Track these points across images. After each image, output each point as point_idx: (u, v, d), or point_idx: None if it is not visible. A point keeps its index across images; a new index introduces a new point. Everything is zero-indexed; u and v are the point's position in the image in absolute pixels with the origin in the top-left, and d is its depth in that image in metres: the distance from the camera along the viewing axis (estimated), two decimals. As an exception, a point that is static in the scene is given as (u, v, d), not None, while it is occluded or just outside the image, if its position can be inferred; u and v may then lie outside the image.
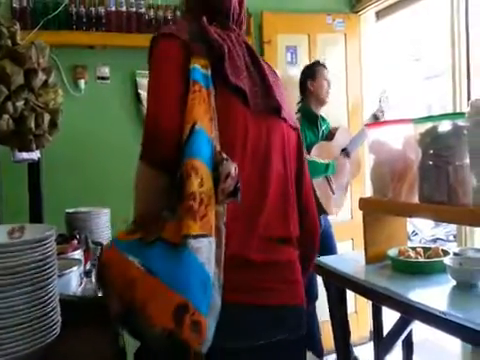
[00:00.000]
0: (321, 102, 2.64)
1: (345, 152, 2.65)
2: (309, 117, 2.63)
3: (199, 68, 0.84)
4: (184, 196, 0.72)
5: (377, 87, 3.10)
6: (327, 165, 2.52)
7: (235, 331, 0.79)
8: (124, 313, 0.73)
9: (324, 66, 2.68)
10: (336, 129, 2.70)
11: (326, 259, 1.88)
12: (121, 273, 0.73)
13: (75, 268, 1.20)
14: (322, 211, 2.55)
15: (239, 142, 0.87)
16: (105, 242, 1.84)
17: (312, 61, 2.76)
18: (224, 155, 0.78)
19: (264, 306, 0.84)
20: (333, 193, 2.59)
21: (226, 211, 0.77)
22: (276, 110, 0.96)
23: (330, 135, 2.67)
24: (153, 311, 0.68)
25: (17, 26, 1.39)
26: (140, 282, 0.70)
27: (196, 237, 0.70)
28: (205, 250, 0.70)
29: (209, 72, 0.86)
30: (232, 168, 0.77)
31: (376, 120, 2.71)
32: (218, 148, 0.80)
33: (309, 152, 2.54)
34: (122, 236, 0.78)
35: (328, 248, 2.63)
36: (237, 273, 0.80)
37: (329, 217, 2.74)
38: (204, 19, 0.91)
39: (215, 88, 0.86)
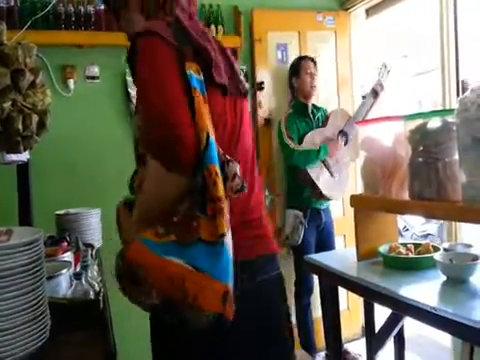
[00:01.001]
0: (307, 95, 2.67)
1: (343, 133, 2.66)
2: (299, 109, 2.67)
3: (194, 74, 0.88)
4: (215, 199, 0.81)
5: (369, 80, 3.04)
6: (318, 150, 2.54)
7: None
8: (161, 304, 0.82)
9: (308, 59, 2.69)
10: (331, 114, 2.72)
11: (318, 256, 1.89)
12: (164, 272, 0.80)
13: (65, 271, 1.19)
14: (324, 198, 2.57)
15: (226, 134, 0.97)
16: (96, 243, 1.83)
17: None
18: (227, 156, 0.87)
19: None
20: (332, 176, 2.60)
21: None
22: (245, 93, 1.07)
23: (325, 121, 2.70)
24: (204, 300, 0.79)
25: (3, 26, 1.37)
26: (189, 278, 0.79)
27: (226, 234, 0.81)
28: (230, 242, 0.82)
29: (202, 77, 0.90)
30: (237, 168, 0.87)
31: (376, 95, 2.64)
32: (220, 150, 0.87)
33: (301, 142, 2.56)
34: (152, 237, 0.82)
35: (327, 245, 2.64)
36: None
37: (332, 214, 2.75)
38: (183, 22, 0.96)
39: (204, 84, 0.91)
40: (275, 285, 1.05)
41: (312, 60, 2.70)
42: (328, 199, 2.62)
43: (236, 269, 0.84)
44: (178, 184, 0.85)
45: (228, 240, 0.82)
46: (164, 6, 1.03)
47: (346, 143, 2.67)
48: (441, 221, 4.64)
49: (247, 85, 1.11)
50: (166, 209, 0.85)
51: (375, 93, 2.64)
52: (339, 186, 2.64)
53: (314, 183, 2.53)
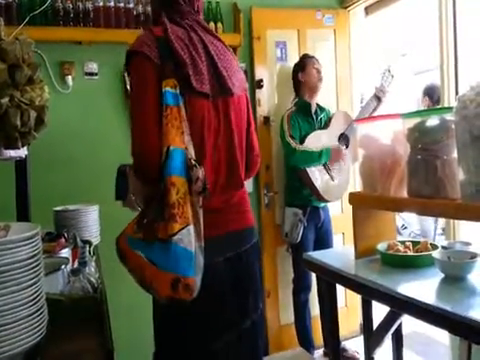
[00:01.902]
0: (313, 89, 2.66)
1: (344, 137, 2.65)
2: (302, 108, 2.66)
3: (169, 90, 1.08)
4: (168, 205, 1.01)
5: (369, 83, 3.05)
6: (320, 153, 2.53)
7: (215, 252, 1.13)
8: (139, 283, 1.04)
9: (313, 57, 2.70)
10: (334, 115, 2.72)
11: (316, 254, 1.89)
12: (134, 262, 1.03)
13: (62, 267, 1.19)
14: (320, 199, 2.56)
15: (206, 134, 1.15)
16: (94, 240, 1.83)
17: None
18: (193, 162, 1.06)
19: (229, 232, 1.20)
20: (332, 180, 2.59)
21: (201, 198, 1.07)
22: (228, 91, 1.21)
23: (328, 122, 2.69)
24: (157, 287, 1.00)
25: (1, 21, 1.36)
26: (147, 269, 1.01)
27: (177, 233, 1.00)
28: (185, 238, 1.00)
29: (178, 90, 1.09)
30: (200, 173, 1.06)
31: (378, 102, 2.62)
32: (192, 155, 1.07)
33: (303, 142, 2.55)
34: (130, 233, 1.05)
35: (326, 243, 2.64)
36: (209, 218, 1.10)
37: (330, 212, 2.75)
38: (171, 35, 1.12)
39: (183, 95, 1.10)
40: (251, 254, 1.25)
41: (316, 58, 2.71)
42: (326, 201, 2.62)
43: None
44: (142, 189, 1.14)
45: (181, 237, 0.99)
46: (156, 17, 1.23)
47: (347, 147, 2.66)
48: (440, 219, 4.66)
49: (237, 82, 1.24)
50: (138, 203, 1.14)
51: (378, 99, 2.64)
52: (338, 189, 2.63)
53: (313, 185, 2.53)
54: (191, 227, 1.01)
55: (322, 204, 2.67)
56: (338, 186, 2.62)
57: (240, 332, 1.21)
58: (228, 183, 1.22)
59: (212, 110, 1.17)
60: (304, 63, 2.68)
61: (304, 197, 2.61)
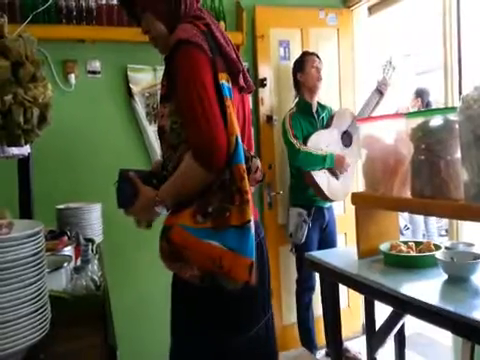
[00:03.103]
0: (313, 89, 2.63)
1: (347, 134, 2.63)
2: (303, 108, 2.64)
3: (225, 83, 1.09)
4: (243, 191, 1.02)
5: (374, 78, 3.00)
6: (324, 157, 2.50)
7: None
8: (201, 276, 1.04)
9: (312, 54, 2.66)
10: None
11: (319, 254, 1.89)
12: (204, 253, 1.02)
13: (65, 264, 1.19)
14: (325, 198, 2.55)
15: (239, 127, 1.15)
16: (97, 238, 1.83)
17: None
18: (251, 152, 1.12)
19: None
20: (337, 179, 2.58)
21: None
22: (251, 87, 1.26)
23: (330, 121, 2.67)
24: (236, 273, 1.01)
25: (4, 19, 1.36)
26: (225, 257, 1.01)
27: (251, 219, 1.02)
28: (253, 225, 1.03)
29: (230, 84, 1.11)
30: (258, 163, 1.11)
31: (381, 96, 2.59)
32: (245, 147, 1.10)
33: (306, 143, 2.53)
34: (191, 224, 1.03)
35: (330, 244, 2.62)
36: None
37: (334, 212, 2.74)
38: (215, 32, 1.13)
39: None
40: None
41: (316, 55, 2.67)
42: (331, 200, 2.61)
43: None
44: (203, 180, 1.06)
45: (252, 224, 1.02)
46: (177, 11, 1.17)
47: (350, 144, 2.64)
48: (443, 220, 4.64)
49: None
50: (191, 197, 1.07)
51: (380, 92, 2.60)
52: (343, 188, 2.62)
53: (318, 185, 2.52)
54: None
55: (327, 204, 2.65)
56: (343, 185, 2.61)
57: (266, 321, 1.21)
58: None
59: (240, 103, 1.22)
60: (303, 62, 2.65)
61: (309, 197, 2.59)
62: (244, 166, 1.04)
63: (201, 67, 1.06)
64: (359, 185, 2.92)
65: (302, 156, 2.49)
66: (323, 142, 2.56)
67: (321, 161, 2.50)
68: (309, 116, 2.64)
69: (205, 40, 1.09)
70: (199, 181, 1.07)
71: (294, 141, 2.52)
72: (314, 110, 2.66)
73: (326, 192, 2.53)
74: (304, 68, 2.64)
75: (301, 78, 2.65)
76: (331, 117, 2.69)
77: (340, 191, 2.60)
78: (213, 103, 1.05)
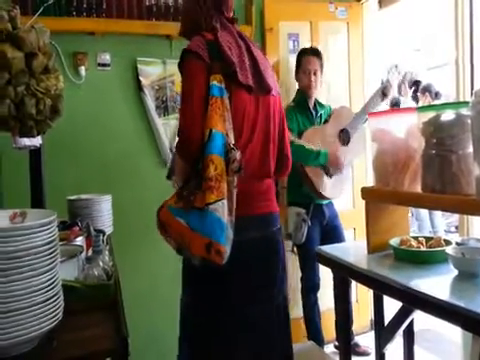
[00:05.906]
0: (306, 91, 2.58)
1: (344, 132, 2.57)
2: (299, 102, 2.60)
3: (216, 84, 1.23)
4: (206, 178, 1.15)
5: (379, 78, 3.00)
6: (317, 153, 2.39)
7: (247, 229, 1.29)
8: (177, 248, 1.20)
9: (310, 53, 2.58)
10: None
11: (328, 248, 1.88)
12: (175, 228, 1.17)
13: (77, 254, 1.20)
14: (319, 196, 2.50)
15: (245, 124, 1.32)
16: (107, 229, 1.85)
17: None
18: (232, 145, 1.19)
19: (259, 214, 1.38)
20: (330, 177, 2.49)
21: (238, 179, 1.21)
22: (268, 89, 1.38)
23: (329, 118, 2.62)
24: (194, 248, 1.14)
25: (17, 10, 1.37)
26: (186, 234, 1.15)
27: (213, 203, 1.13)
28: (220, 209, 1.14)
29: (223, 84, 1.24)
30: (237, 155, 1.19)
31: (384, 97, 2.54)
32: (231, 140, 1.21)
33: (300, 137, 2.49)
34: (172, 203, 1.19)
35: (334, 239, 2.55)
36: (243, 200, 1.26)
37: (335, 207, 2.69)
38: (221, 42, 1.28)
39: (229, 89, 1.26)
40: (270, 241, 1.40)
41: (316, 54, 2.58)
42: (325, 198, 2.54)
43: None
44: (182, 167, 1.28)
45: (216, 207, 1.13)
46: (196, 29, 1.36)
47: (347, 142, 2.56)
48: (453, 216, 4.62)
49: (273, 84, 1.40)
50: (182, 180, 1.25)
51: (383, 93, 2.53)
52: (339, 185, 2.55)
53: (312, 183, 2.46)
54: (225, 201, 1.15)
55: (325, 201, 2.58)
56: (339, 181, 2.54)
57: (276, 303, 1.38)
58: (260, 171, 1.38)
59: (253, 104, 1.33)
60: (298, 61, 2.61)
61: (305, 194, 2.51)
62: (213, 156, 1.16)
63: (194, 72, 1.25)
64: (367, 179, 2.91)
65: (293, 148, 2.41)
66: (318, 138, 2.49)
67: (313, 156, 2.39)
68: (306, 111, 2.60)
69: (206, 49, 1.26)
70: (181, 168, 1.29)
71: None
72: (311, 106, 2.61)
73: (321, 190, 2.46)
74: (298, 68, 2.60)
75: (296, 78, 2.63)
76: (329, 115, 2.64)
77: (336, 188, 2.54)
78: (195, 102, 1.22)
